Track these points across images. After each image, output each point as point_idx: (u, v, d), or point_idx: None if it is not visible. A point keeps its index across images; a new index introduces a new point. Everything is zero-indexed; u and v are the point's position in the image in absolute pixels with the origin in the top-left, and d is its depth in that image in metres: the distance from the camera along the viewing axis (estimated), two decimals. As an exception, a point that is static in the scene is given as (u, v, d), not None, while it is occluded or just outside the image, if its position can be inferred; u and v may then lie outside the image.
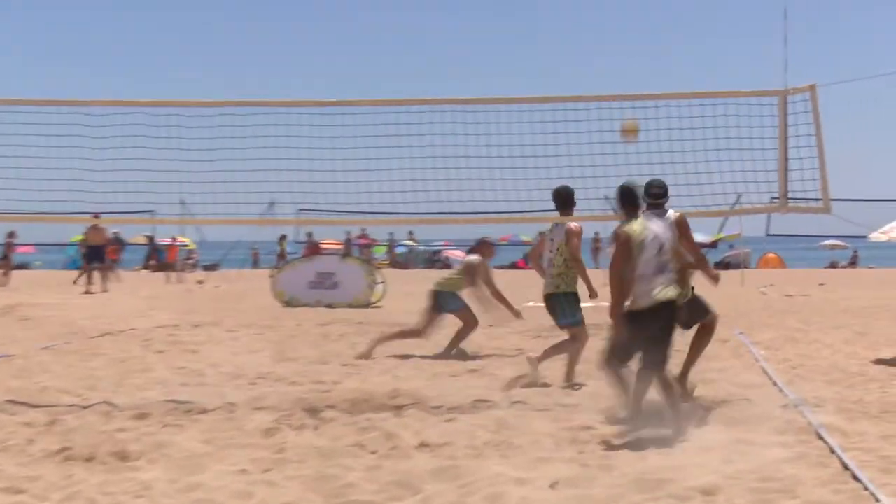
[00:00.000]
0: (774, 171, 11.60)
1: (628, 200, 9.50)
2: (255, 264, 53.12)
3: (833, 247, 56.64)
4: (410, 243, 56.24)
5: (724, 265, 49.95)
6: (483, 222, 13.72)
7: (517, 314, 14.83)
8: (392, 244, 55.21)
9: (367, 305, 25.12)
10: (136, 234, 52.36)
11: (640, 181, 10.13)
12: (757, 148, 11.80)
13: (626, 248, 9.14)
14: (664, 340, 9.12)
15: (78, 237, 40.55)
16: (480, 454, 8.30)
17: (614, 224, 10.26)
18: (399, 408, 10.25)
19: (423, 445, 8.57)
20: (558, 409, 10.18)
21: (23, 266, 46.89)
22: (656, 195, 9.93)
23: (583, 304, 12.24)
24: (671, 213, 10.02)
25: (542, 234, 12.80)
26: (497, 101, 12.24)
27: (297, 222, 24.31)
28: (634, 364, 9.26)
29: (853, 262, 55.16)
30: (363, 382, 12.23)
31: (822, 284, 34.70)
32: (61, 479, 7.55)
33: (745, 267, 42.03)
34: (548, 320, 12.76)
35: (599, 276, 14.06)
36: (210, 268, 43.10)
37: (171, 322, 20.03)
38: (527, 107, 12.30)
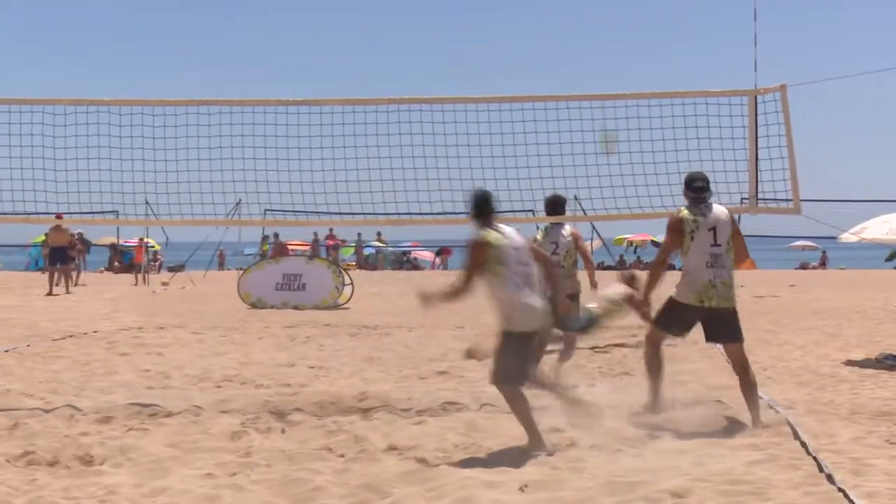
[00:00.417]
0: (745, 171, 11.59)
1: (483, 208, 8.77)
2: (221, 265, 52.90)
3: (804, 248, 56.90)
4: (378, 244, 56.14)
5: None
6: (452, 223, 13.63)
7: None
8: (360, 245, 55.11)
9: (335, 307, 25.02)
10: (100, 236, 52.06)
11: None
12: (727, 148, 11.79)
13: (480, 257, 8.54)
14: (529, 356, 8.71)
15: (40, 238, 40.30)
16: (450, 457, 8.23)
17: (584, 225, 10.22)
18: (367, 410, 10.18)
19: (391, 448, 8.49)
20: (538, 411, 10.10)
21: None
22: (699, 189, 9.66)
23: None
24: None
25: (536, 240, 12.63)
26: (465, 100, 12.17)
27: (263, 223, 24.06)
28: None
29: (823, 264, 55.44)
30: (331, 385, 12.15)
31: (792, 285, 34.84)
32: (24, 484, 7.43)
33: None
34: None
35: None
36: (175, 269, 42.82)
37: (136, 324, 19.89)
38: (496, 106, 12.25)
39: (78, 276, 36.58)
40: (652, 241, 59.83)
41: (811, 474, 7.46)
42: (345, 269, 29.64)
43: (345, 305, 25.31)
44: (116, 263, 49.60)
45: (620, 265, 47.11)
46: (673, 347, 15.21)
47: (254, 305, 25.06)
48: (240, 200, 12.79)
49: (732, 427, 9.19)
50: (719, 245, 9.34)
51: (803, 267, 54.70)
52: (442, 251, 56.43)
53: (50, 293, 29.93)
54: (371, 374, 13.17)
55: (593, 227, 39.11)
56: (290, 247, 47.04)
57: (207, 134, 12.11)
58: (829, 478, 7.26)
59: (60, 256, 31.90)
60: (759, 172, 11.53)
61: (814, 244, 55.17)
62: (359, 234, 53.58)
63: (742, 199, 11.92)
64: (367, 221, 15.16)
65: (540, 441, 8.41)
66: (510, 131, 12.22)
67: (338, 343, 16.74)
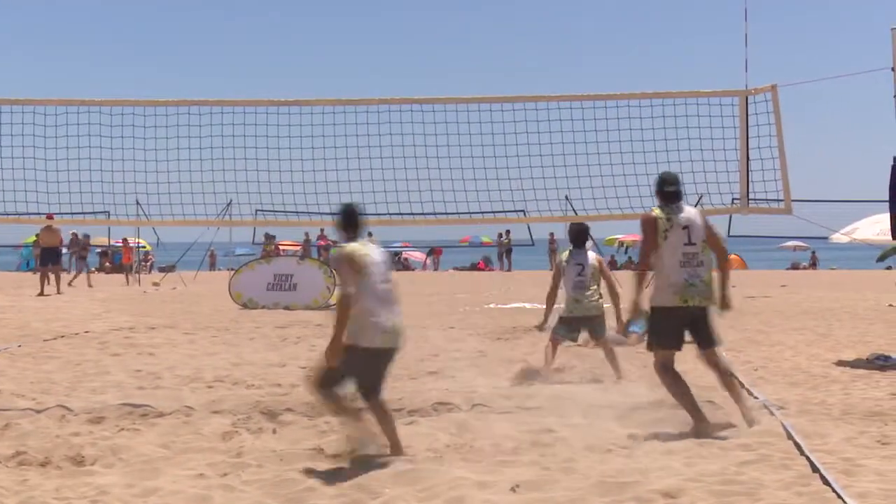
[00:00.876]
0: (736, 171, 11.62)
1: (350, 222, 8.54)
2: (213, 266, 52.84)
3: (795, 248, 56.99)
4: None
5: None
6: (443, 223, 13.64)
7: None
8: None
9: (326, 307, 25.00)
10: (93, 237, 51.94)
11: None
12: (718, 149, 11.83)
13: (349, 269, 8.21)
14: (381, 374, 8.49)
15: (31, 239, 40.23)
16: (441, 457, 8.22)
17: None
18: (358, 411, 10.15)
19: (383, 449, 8.46)
20: (519, 411, 10.12)
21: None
22: (671, 193, 9.43)
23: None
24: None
25: (561, 259, 12.64)
26: (457, 100, 12.18)
27: (254, 223, 24.05)
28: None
29: (813, 264, 55.51)
30: (322, 385, 12.11)
31: (783, 286, 34.85)
32: (15, 484, 7.41)
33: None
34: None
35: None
36: (166, 269, 42.76)
37: (127, 324, 19.85)
38: (486, 107, 12.27)
39: (89, 276, 36.94)
40: (643, 241, 59.88)
41: (803, 474, 7.47)
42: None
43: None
44: (108, 264, 49.52)
45: (611, 265, 47.11)
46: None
47: (245, 306, 25.05)
48: (231, 201, 12.81)
49: (724, 427, 9.17)
50: (694, 244, 9.22)
51: (794, 267, 54.79)
52: (433, 251, 56.45)
53: (41, 293, 29.87)
54: (362, 374, 13.13)
55: (584, 227, 39.00)
56: (281, 247, 46.96)
57: (199, 134, 12.13)
58: (823, 478, 7.27)
59: (52, 257, 31.85)
60: (749, 172, 11.56)
61: (805, 244, 55.25)
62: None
63: (733, 199, 11.94)
64: (358, 222, 15.10)
65: (358, 442, 8.30)
66: (501, 132, 12.25)
67: (329, 343, 16.70)
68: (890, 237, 15.47)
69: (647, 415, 9.74)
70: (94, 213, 14.70)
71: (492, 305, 23.53)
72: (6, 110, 11.96)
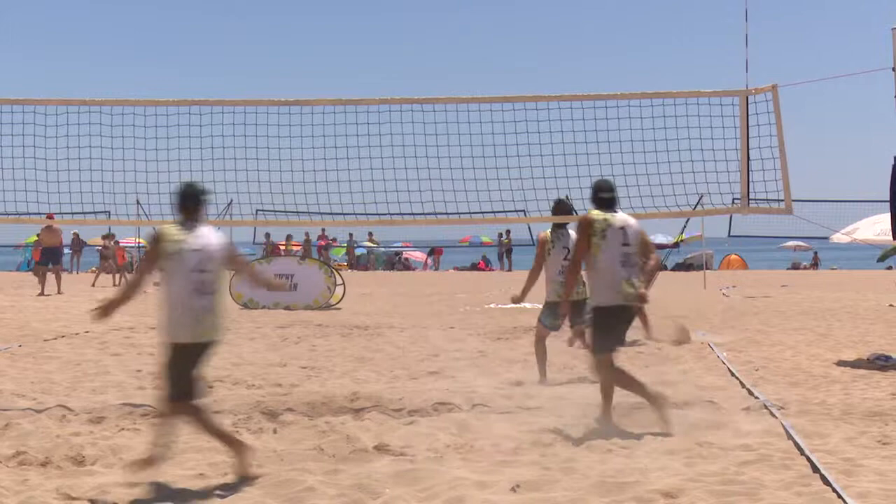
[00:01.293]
0: (736, 171, 11.61)
1: (181, 202, 7.79)
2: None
3: (795, 248, 56.99)
4: (370, 245, 56.10)
5: (687, 266, 50.17)
6: (444, 223, 13.64)
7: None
8: (351, 246, 55.06)
9: (327, 307, 25.01)
10: (93, 236, 51.91)
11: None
12: (719, 149, 11.83)
13: (153, 251, 7.72)
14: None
15: (32, 238, 40.23)
16: (441, 457, 8.22)
17: (575, 225, 10.16)
18: (359, 411, 10.17)
19: (383, 449, 8.47)
20: (520, 411, 10.12)
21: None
22: (606, 200, 9.56)
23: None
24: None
25: (547, 243, 12.41)
26: (457, 100, 12.17)
27: (255, 223, 24.08)
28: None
29: (814, 264, 55.51)
30: (322, 385, 12.13)
31: (784, 286, 34.85)
32: (16, 484, 7.41)
33: (708, 268, 42.18)
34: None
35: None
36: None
37: (127, 324, 19.83)
38: (487, 107, 12.27)
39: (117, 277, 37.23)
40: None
41: (803, 474, 7.47)
42: (336, 270, 29.60)
43: (336, 306, 25.29)
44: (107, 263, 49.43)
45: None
46: (668, 348, 15.31)
47: (245, 306, 25.03)
48: (231, 201, 12.81)
49: (724, 427, 9.18)
50: (629, 245, 9.37)
51: (795, 267, 54.76)
52: (433, 251, 56.44)
53: (41, 293, 29.86)
54: (362, 374, 13.16)
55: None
56: (281, 247, 46.96)
57: (199, 134, 12.13)
58: (823, 478, 7.27)
59: (52, 257, 31.83)
60: (750, 173, 11.55)
61: (806, 244, 55.26)
62: (350, 235, 53.53)
63: (733, 199, 11.95)
64: (358, 222, 15.15)
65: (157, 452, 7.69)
66: (501, 132, 12.26)
67: (329, 343, 16.73)
68: (890, 237, 15.49)
69: (647, 415, 9.74)
70: (94, 212, 14.74)
71: (492, 305, 23.51)
72: (6, 110, 11.98)
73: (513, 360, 14.18)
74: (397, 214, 12.44)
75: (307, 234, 49.77)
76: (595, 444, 8.54)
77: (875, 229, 26.41)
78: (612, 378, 9.48)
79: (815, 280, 40.71)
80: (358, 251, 55.99)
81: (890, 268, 42.13)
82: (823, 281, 39.59)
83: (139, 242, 45.23)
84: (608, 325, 9.39)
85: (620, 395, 10.78)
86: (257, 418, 9.77)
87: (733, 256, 54.31)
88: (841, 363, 13.69)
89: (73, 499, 7.09)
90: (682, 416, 9.60)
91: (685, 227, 45.41)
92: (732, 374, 12.58)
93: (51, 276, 31.32)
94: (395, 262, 55.99)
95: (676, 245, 49.06)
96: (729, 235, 41.55)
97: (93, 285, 35.75)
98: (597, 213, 9.42)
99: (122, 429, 9.36)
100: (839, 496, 6.84)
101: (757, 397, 10.73)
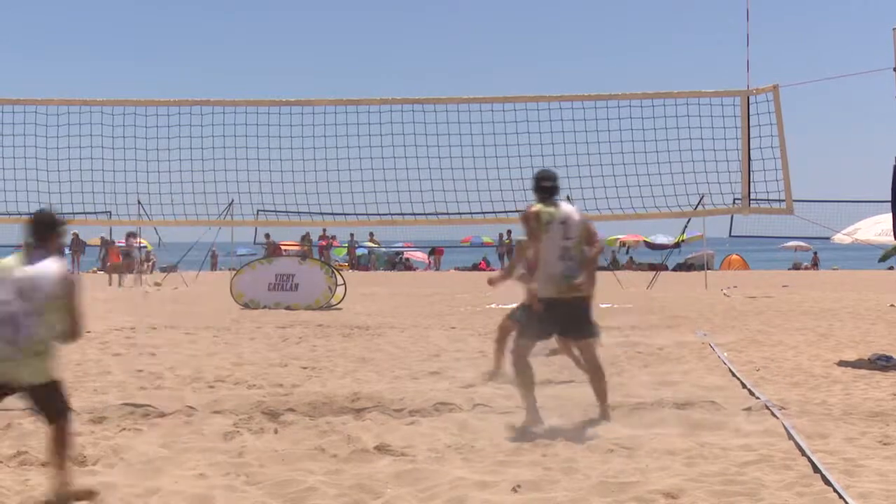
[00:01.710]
0: (737, 171, 11.60)
1: (41, 230, 7.15)
2: (214, 266, 52.79)
3: (796, 248, 56.96)
4: (371, 245, 56.07)
5: (688, 267, 50.14)
6: (445, 224, 13.64)
7: None
8: (352, 246, 55.03)
9: (328, 307, 25.00)
10: (92, 236, 51.90)
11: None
12: (720, 149, 11.83)
13: None
14: None
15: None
16: (442, 457, 8.21)
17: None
18: (360, 411, 10.17)
19: (384, 449, 8.47)
20: (520, 411, 10.09)
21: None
22: (547, 189, 9.65)
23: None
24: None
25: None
26: (458, 100, 12.17)
27: (256, 223, 24.11)
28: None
29: (815, 264, 55.48)
30: (323, 385, 12.13)
31: (785, 286, 34.83)
32: (17, 484, 7.42)
33: (709, 268, 42.15)
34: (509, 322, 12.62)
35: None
36: (167, 269, 42.70)
37: (129, 324, 19.83)
38: (488, 107, 12.27)
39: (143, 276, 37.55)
40: (645, 241, 59.89)
41: (804, 475, 7.47)
42: (337, 270, 29.59)
43: (337, 306, 25.28)
44: (109, 263, 49.42)
45: (613, 265, 47.12)
46: (668, 349, 15.30)
47: (246, 306, 25.03)
48: (232, 201, 12.82)
49: (725, 427, 9.18)
50: (570, 238, 9.43)
51: (796, 267, 54.73)
52: (434, 251, 56.43)
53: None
54: (363, 374, 13.15)
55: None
56: (282, 246, 46.93)
57: (200, 134, 12.14)
58: (824, 478, 7.27)
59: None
60: (751, 173, 11.55)
61: (806, 245, 55.22)
62: (351, 235, 53.49)
63: (734, 199, 11.94)
64: (359, 222, 15.14)
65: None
66: (502, 132, 12.25)
67: (330, 343, 16.72)
68: (891, 237, 15.48)
69: (648, 415, 9.75)
70: (95, 212, 14.71)
71: (493, 305, 23.47)
72: (7, 110, 11.98)
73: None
74: (398, 214, 12.44)
75: (308, 233, 49.75)
76: (596, 444, 8.54)
77: (876, 229, 26.41)
78: (518, 368, 9.59)
79: (816, 280, 40.69)
80: (359, 251, 55.96)
81: (891, 268, 42.15)
82: (824, 281, 39.57)
83: (140, 243, 45.25)
84: (540, 317, 9.53)
85: (621, 395, 10.80)
86: (258, 418, 9.77)
87: (734, 256, 54.29)
88: (842, 363, 13.68)
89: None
90: (683, 416, 9.61)
91: (686, 227, 45.38)
92: (733, 375, 12.58)
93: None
94: (396, 262, 55.97)
95: (677, 245, 48.95)
96: (730, 235, 41.48)
97: (119, 284, 36.11)
98: (542, 207, 9.49)
99: (124, 429, 9.35)
100: (840, 496, 6.84)
101: (758, 397, 10.73)
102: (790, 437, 8.68)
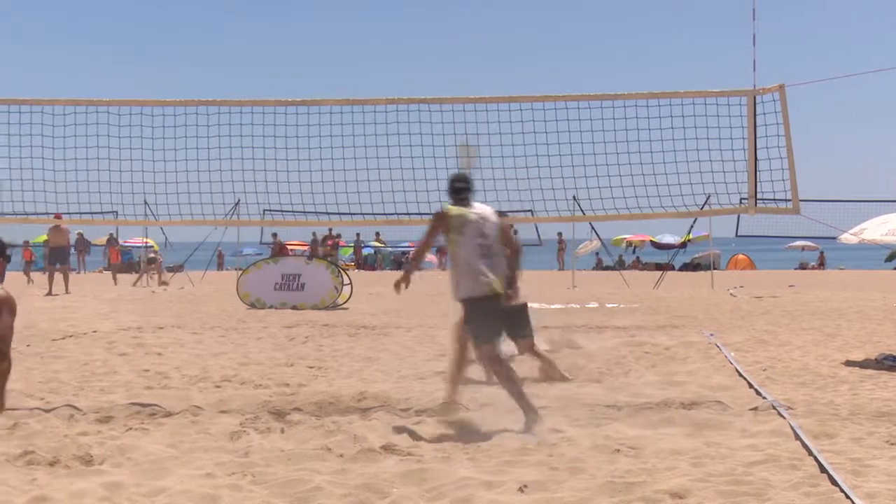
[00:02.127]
0: (744, 171, 11.58)
1: None
2: (220, 266, 52.86)
3: (803, 248, 56.93)
4: (377, 244, 56.10)
5: (694, 266, 50.13)
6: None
7: None
8: (359, 245, 55.06)
9: (334, 307, 25.02)
10: (98, 236, 52.04)
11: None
12: (726, 149, 11.79)
13: None
14: None
15: (42, 237, 40.27)
16: (448, 457, 8.21)
17: (583, 225, 10.19)
18: (366, 410, 10.17)
19: (390, 448, 8.47)
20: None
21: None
22: (460, 189, 9.76)
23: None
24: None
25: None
26: (464, 100, 12.15)
27: (262, 223, 24.16)
28: None
29: (821, 264, 55.46)
30: (329, 385, 12.14)
31: (791, 286, 34.80)
32: (24, 484, 7.40)
33: (715, 268, 42.15)
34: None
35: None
36: (174, 269, 42.78)
37: (135, 324, 19.86)
38: (493, 106, 12.25)
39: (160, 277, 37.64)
40: (651, 241, 59.92)
41: (811, 475, 7.45)
42: (343, 269, 29.61)
43: (343, 306, 25.31)
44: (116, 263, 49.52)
45: (619, 265, 47.12)
46: (675, 349, 15.29)
47: (253, 305, 25.07)
48: (239, 200, 12.81)
49: (731, 427, 9.17)
50: (487, 236, 9.48)
51: (802, 267, 54.72)
52: (439, 251, 56.41)
53: (49, 293, 29.91)
54: (370, 374, 13.16)
55: (592, 228, 39.07)
56: (288, 246, 47.00)
57: (206, 134, 12.14)
58: (831, 478, 7.26)
59: (60, 256, 31.86)
60: (757, 173, 11.52)
61: (813, 244, 55.20)
62: (357, 235, 53.55)
63: (741, 199, 11.93)
64: (365, 222, 15.16)
65: None
66: (508, 131, 12.23)
67: (336, 343, 16.74)
68: (898, 237, 15.44)
69: (654, 415, 9.74)
70: (102, 212, 14.74)
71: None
72: (14, 110, 11.98)
73: (520, 359, 14.15)
74: (404, 214, 12.43)
75: (314, 233, 49.79)
76: (602, 444, 8.53)
77: (882, 229, 26.31)
78: (497, 371, 9.59)
79: (823, 280, 40.68)
80: (365, 251, 55.98)
81: (898, 268, 42.11)
82: (831, 281, 39.55)
83: (146, 242, 45.33)
84: (478, 317, 9.53)
85: (628, 395, 10.80)
86: (265, 418, 9.77)
87: (741, 256, 54.32)
88: (849, 363, 13.67)
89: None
90: (689, 416, 9.60)
91: (692, 226, 45.35)
92: (740, 375, 12.57)
93: (58, 276, 31.37)
94: (402, 261, 55.96)
95: (684, 245, 48.99)
96: (736, 235, 41.45)
97: (146, 284, 36.41)
98: (452, 208, 9.56)
99: (130, 428, 9.35)
100: (847, 497, 6.83)
101: (765, 397, 10.72)
102: (797, 437, 8.67)
